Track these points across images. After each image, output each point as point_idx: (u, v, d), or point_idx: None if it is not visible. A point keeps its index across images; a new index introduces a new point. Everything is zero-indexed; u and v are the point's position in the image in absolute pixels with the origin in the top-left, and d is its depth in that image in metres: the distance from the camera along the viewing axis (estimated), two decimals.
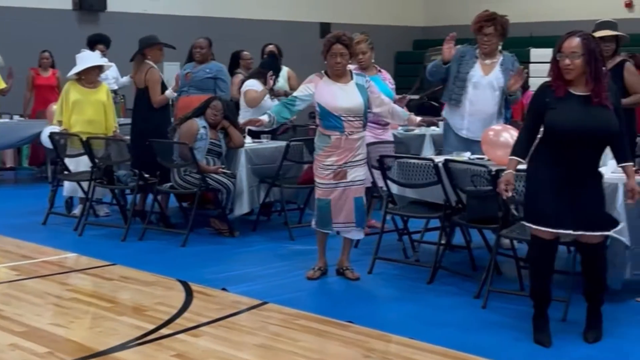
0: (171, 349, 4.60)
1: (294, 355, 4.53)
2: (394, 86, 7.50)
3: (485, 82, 6.77)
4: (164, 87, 7.83)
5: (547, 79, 4.66)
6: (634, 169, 5.21)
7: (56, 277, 6.22)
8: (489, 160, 6.06)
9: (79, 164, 8.07)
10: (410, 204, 6.46)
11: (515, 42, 14.20)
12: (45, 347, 4.60)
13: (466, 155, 6.34)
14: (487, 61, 6.80)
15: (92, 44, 10.38)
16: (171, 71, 11.29)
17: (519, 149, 4.72)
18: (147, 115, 7.77)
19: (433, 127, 8.62)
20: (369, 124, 6.50)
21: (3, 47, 10.92)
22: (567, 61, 4.49)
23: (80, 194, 8.11)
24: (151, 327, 4.97)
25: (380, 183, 6.49)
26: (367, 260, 6.37)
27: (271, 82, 8.19)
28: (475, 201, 5.76)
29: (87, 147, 7.71)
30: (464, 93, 6.79)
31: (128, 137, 7.97)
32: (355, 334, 4.86)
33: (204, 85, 8.49)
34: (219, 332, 4.92)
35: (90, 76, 8.17)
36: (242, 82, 8.51)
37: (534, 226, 4.59)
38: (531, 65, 11.96)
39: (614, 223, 4.74)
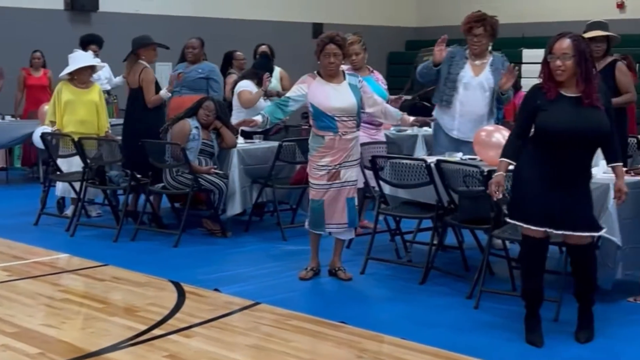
0: (163, 350, 4.59)
1: (286, 355, 4.53)
2: (386, 87, 7.51)
3: (475, 82, 6.78)
4: (158, 88, 7.82)
5: (538, 81, 4.67)
6: (626, 168, 5.25)
7: (48, 277, 6.20)
8: (481, 160, 6.08)
9: (72, 164, 8.06)
10: (402, 204, 6.46)
11: (508, 43, 14.25)
12: (37, 348, 4.59)
13: (458, 156, 6.35)
14: (477, 62, 6.82)
15: (84, 44, 10.36)
16: (163, 71, 11.29)
17: (509, 151, 4.72)
18: (141, 115, 7.75)
19: (425, 128, 8.64)
20: (363, 124, 6.51)
21: None
22: (558, 62, 4.50)
23: (73, 195, 8.09)
24: (143, 327, 4.96)
25: (373, 183, 6.50)
26: (359, 261, 6.37)
27: (267, 83, 8.21)
28: (467, 201, 5.77)
29: (79, 147, 7.70)
30: (454, 94, 6.81)
31: (120, 137, 7.96)
32: (348, 335, 4.86)
33: (196, 86, 8.50)
34: (211, 332, 4.91)
35: (82, 76, 8.15)
36: (236, 82, 8.51)
37: (525, 225, 4.61)
38: (523, 66, 11.97)
39: (599, 226, 4.75)
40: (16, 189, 10.86)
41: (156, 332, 4.90)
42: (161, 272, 6.25)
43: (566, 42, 4.51)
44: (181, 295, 5.66)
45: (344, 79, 5.99)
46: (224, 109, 7.79)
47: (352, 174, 6.03)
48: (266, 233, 7.74)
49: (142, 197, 7.82)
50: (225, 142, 7.54)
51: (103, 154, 7.71)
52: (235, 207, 7.51)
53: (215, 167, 7.45)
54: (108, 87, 10.75)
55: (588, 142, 4.57)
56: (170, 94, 7.93)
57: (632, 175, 5.52)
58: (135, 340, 4.76)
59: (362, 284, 6.09)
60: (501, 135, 5.88)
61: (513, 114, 8.95)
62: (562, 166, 4.54)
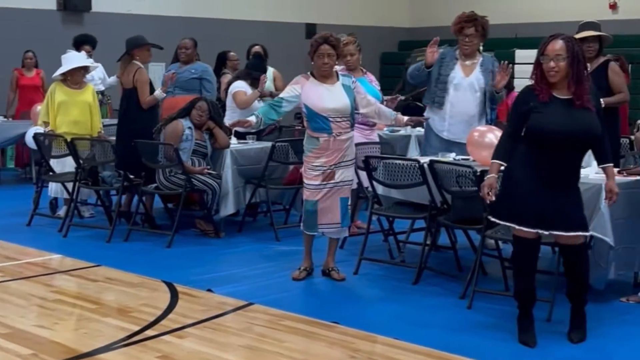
0: (156, 351, 4.58)
1: (279, 356, 4.53)
2: (379, 88, 7.51)
3: (466, 83, 6.79)
4: (152, 88, 7.81)
5: (530, 83, 4.67)
6: (619, 169, 5.26)
7: (40, 278, 6.19)
8: (474, 161, 6.08)
9: (66, 165, 8.04)
10: (395, 204, 6.47)
11: (501, 43, 14.29)
12: (30, 348, 4.58)
13: (451, 156, 6.36)
14: (468, 62, 6.83)
15: (78, 45, 10.35)
16: (156, 72, 11.28)
17: (501, 153, 4.71)
18: (135, 116, 7.74)
19: (419, 128, 8.64)
20: (358, 125, 6.51)
21: None
22: (552, 64, 4.51)
23: (66, 195, 8.08)
24: (136, 328, 4.95)
25: (366, 184, 6.50)
26: (352, 261, 6.37)
27: (263, 85, 8.22)
28: (460, 202, 5.78)
29: (72, 147, 7.68)
30: (445, 95, 6.81)
31: (113, 138, 7.95)
32: (341, 335, 4.86)
33: (189, 86, 8.50)
34: (204, 333, 4.91)
35: (75, 77, 8.13)
36: (229, 83, 8.50)
37: (517, 226, 4.62)
38: (516, 67, 11.99)
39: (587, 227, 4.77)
40: (9, 190, 10.82)
41: (149, 332, 4.89)
42: (154, 272, 6.24)
43: (559, 44, 4.51)
44: (174, 296, 5.65)
45: (338, 79, 5.99)
46: (217, 109, 7.78)
47: (347, 175, 6.03)
48: (259, 233, 7.74)
49: (135, 197, 7.81)
50: (219, 143, 7.53)
51: (96, 154, 7.70)
52: (228, 208, 7.51)
53: (209, 167, 7.45)
54: (102, 88, 10.74)
55: (580, 143, 4.59)
56: (165, 95, 7.92)
57: (624, 176, 5.54)
58: (128, 340, 4.75)
59: (355, 284, 6.09)
60: (494, 135, 5.88)
61: (506, 115, 8.95)
62: (554, 167, 4.55)
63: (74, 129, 8.00)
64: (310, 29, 15.59)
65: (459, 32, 6.76)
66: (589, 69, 4.91)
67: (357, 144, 6.48)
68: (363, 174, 6.47)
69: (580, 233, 4.64)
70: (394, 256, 6.69)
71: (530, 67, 4.68)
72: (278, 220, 7.78)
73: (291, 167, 7.74)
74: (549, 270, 5.55)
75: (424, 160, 6.09)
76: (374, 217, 6.52)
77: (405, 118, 6.39)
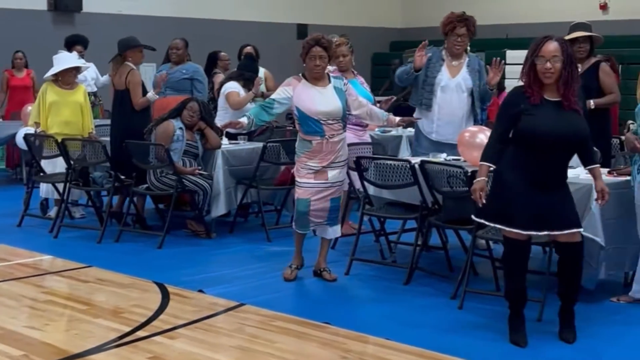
0: (147, 351, 4.58)
1: (270, 356, 4.53)
2: (369, 89, 7.52)
3: (453, 84, 6.80)
4: (144, 90, 7.79)
5: (520, 84, 4.67)
6: (609, 169, 5.27)
7: (31, 279, 6.17)
8: (464, 161, 6.09)
9: (57, 165, 8.02)
10: (387, 205, 6.47)
11: (492, 44, 14.33)
12: (21, 350, 4.57)
13: (442, 157, 6.37)
14: (454, 62, 6.83)
15: (69, 45, 10.32)
16: (147, 72, 11.26)
17: (490, 154, 4.69)
18: (128, 117, 7.73)
19: (410, 128, 8.64)
20: (351, 126, 6.50)
21: None
22: (549, 65, 4.51)
23: (56, 196, 8.06)
24: (127, 329, 4.95)
25: (358, 184, 6.50)
26: (344, 262, 6.38)
27: (258, 87, 8.21)
28: (451, 202, 5.79)
29: (63, 148, 7.66)
30: (433, 97, 6.81)
31: (104, 139, 7.93)
32: (333, 335, 4.86)
33: (180, 86, 8.49)
34: (195, 334, 4.91)
35: (67, 77, 8.11)
36: (222, 84, 8.49)
37: (509, 229, 4.62)
38: (507, 67, 12.01)
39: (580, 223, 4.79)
40: None
41: (140, 333, 4.88)
42: (145, 273, 6.23)
43: (555, 45, 4.52)
44: (165, 297, 5.64)
45: (329, 82, 5.99)
46: (208, 109, 7.78)
47: (340, 175, 6.03)
48: (251, 234, 7.74)
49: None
50: (210, 143, 7.53)
51: (87, 155, 7.68)
52: (219, 208, 7.50)
53: (200, 168, 7.44)
54: (94, 89, 10.72)
55: (570, 145, 4.61)
56: (157, 96, 7.91)
57: (614, 176, 5.56)
58: (119, 341, 4.75)
59: (346, 284, 6.09)
60: (485, 136, 5.87)
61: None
62: (544, 169, 4.56)
63: (65, 130, 7.98)
64: (302, 30, 15.60)
65: (451, 32, 6.75)
66: (580, 70, 4.93)
67: (349, 145, 6.49)
68: (354, 175, 6.47)
69: (578, 230, 4.65)
70: (385, 257, 6.70)
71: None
72: (269, 220, 7.78)
73: (282, 167, 7.74)
74: (540, 271, 5.57)
75: (415, 160, 6.09)
76: (365, 218, 6.52)
77: (397, 119, 6.38)
